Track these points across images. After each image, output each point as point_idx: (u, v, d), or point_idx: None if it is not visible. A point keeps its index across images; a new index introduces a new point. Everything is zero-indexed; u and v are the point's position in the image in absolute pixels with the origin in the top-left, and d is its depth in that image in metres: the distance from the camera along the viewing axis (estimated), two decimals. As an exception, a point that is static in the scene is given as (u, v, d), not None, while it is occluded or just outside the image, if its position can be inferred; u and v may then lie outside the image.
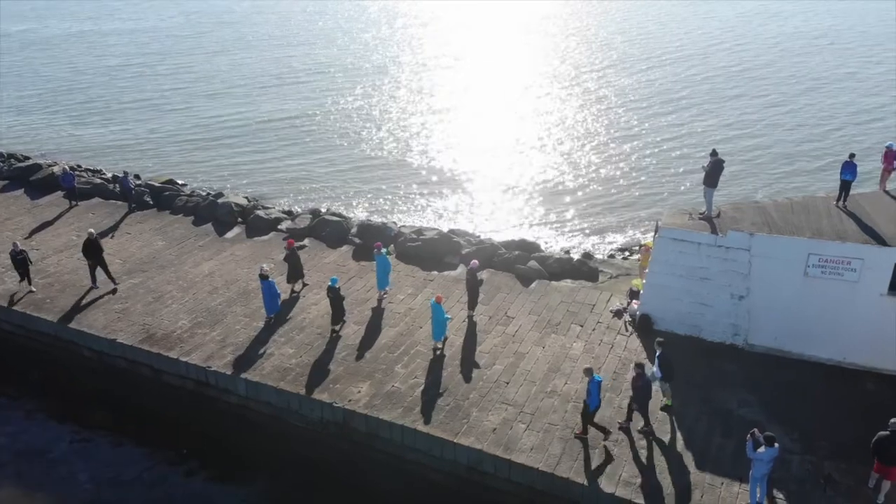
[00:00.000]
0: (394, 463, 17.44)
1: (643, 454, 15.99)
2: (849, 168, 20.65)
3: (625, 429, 16.67)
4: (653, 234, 23.91)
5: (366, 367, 19.08)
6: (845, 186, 20.69)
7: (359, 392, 18.11)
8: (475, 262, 21.22)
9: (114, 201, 30.58)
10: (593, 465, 15.66)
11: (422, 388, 18.19)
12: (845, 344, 19.01)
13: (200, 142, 42.01)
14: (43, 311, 22.12)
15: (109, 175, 34.84)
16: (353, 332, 20.75)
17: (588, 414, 16.20)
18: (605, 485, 15.15)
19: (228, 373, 19.01)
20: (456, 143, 41.12)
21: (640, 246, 24.15)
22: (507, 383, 18.37)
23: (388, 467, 17.53)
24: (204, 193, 32.17)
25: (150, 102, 48.94)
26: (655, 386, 16.88)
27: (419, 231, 26.47)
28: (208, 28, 72.66)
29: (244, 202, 30.27)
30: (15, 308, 22.23)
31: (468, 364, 19.18)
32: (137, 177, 33.87)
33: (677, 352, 19.56)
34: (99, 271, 23.22)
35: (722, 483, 15.17)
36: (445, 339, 19.85)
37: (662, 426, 16.91)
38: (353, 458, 18.00)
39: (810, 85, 48.25)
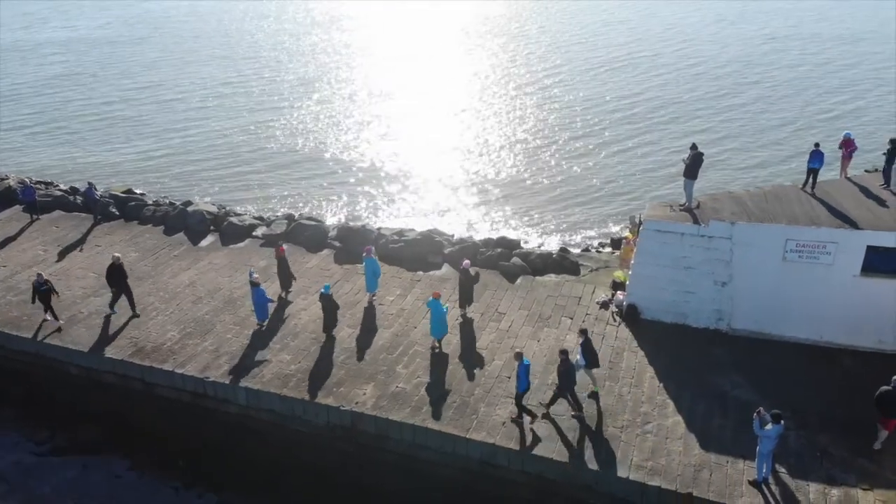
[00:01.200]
0: (401, 463, 17.56)
1: (650, 438, 16.56)
2: (816, 156, 21.83)
3: (546, 415, 17.17)
4: (629, 226, 24.72)
5: (367, 370, 19.13)
6: (813, 174, 21.88)
7: (364, 394, 18.16)
8: (467, 261, 21.49)
9: (76, 213, 29.69)
10: (604, 452, 16.14)
11: (426, 386, 18.36)
12: (822, 324, 20.02)
13: (153, 151, 40.95)
14: (22, 329, 21.36)
15: (66, 187, 33.75)
16: (347, 335, 20.75)
17: (518, 396, 16.77)
18: (619, 470, 15.64)
19: (227, 382, 18.77)
20: (418, 144, 41.25)
21: (623, 238, 24.80)
22: (509, 378, 18.69)
23: (395, 467, 17.64)
24: (167, 202, 31.56)
25: (98, 113, 47.41)
26: (581, 373, 17.55)
27: (400, 232, 26.59)
28: (147, 33, 70.72)
29: (214, 210, 29.74)
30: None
31: (468, 361, 19.44)
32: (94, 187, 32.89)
33: (666, 339, 20.43)
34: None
35: (727, 461, 15.85)
36: (443, 336, 20.05)
37: (663, 410, 17.54)
38: (359, 460, 18.04)
39: (760, 82, 49.85)
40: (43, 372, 21.09)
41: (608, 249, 27.94)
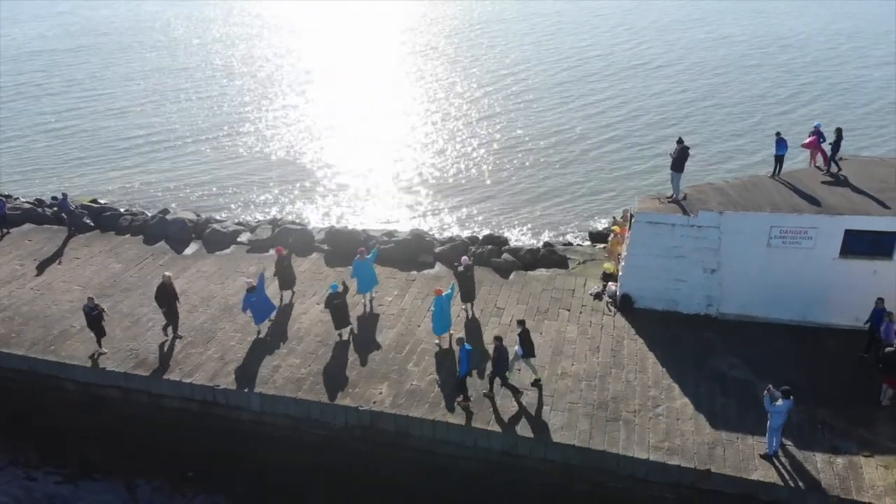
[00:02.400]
0: (419, 458, 17.81)
1: (662, 420, 17.28)
2: (781, 144, 23.24)
3: (466, 397, 17.89)
4: (618, 220, 25.56)
5: (379, 370, 19.32)
6: (780, 161, 23.20)
7: (380, 394, 18.35)
8: (465, 258, 21.88)
9: (48, 225, 28.85)
10: (622, 436, 16.77)
11: (440, 383, 18.66)
12: (805, 305, 21.15)
13: (112, 161, 39.78)
14: (11, 345, 20.72)
15: (32, 199, 32.70)
16: (353, 337, 20.88)
17: (458, 379, 17.56)
18: (638, 452, 16.30)
19: (240, 389, 18.68)
20: (387, 146, 41.35)
21: (610, 232, 25.55)
22: (519, 370, 19.15)
23: (412, 464, 17.88)
24: (139, 212, 30.95)
25: (49, 124, 45.60)
26: (528, 363, 18.50)
27: (390, 233, 26.79)
28: (89, 42, 68.23)
29: (193, 217, 29.29)
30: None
31: (476, 356, 19.73)
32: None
33: (661, 326, 21.24)
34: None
35: (737, 438, 16.70)
36: (451, 334, 20.37)
37: (670, 393, 18.31)
38: (375, 459, 18.20)
39: (720, 79, 51.17)
40: (36, 390, 20.50)
41: (587, 243, 28.80)
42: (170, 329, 20.87)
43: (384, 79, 54.57)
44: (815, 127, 24.40)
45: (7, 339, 21.04)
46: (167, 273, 21.06)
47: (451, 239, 26.75)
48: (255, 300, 20.40)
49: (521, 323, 18.30)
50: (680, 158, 21.85)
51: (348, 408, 17.92)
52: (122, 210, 30.99)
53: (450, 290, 20.44)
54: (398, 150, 40.80)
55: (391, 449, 17.98)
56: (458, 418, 17.43)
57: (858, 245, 20.53)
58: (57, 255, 26.22)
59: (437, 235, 29.02)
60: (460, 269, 21.38)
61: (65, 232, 27.99)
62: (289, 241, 25.59)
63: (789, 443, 16.47)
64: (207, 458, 19.26)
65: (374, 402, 18.01)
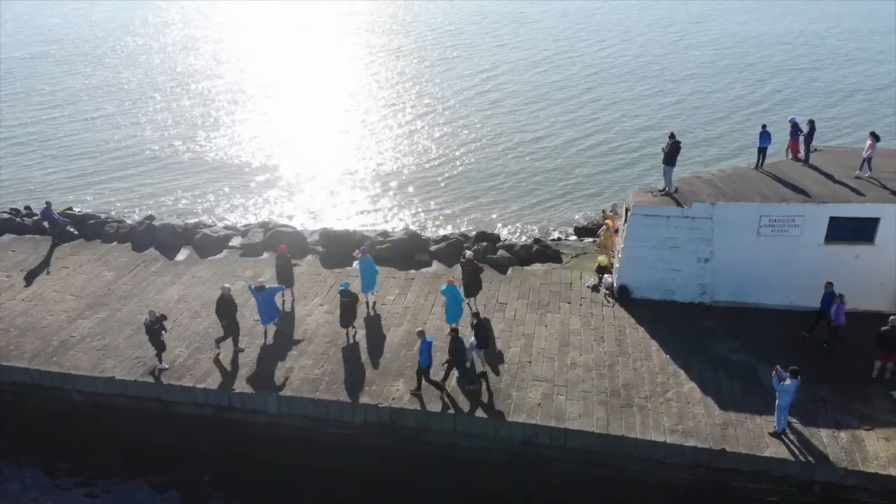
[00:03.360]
0: (438, 451, 18.11)
1: (674, 404, 17.95)
2: (765, 136, 24.19)
3: (440, 386, 18.43)
4: (610, 214, 26.23)
5: (392, 367, 19.55)
6: (763, 153, 24.19)
7: (397, 390, 18.60)
8: (469, 253, 22.27)
9: (29, 235, 28.20)
10: (638, 422, 17.37)
11: (455, 377, 18.96)
12: (792, 290, 22.11)
13: (82, 168, 39.03)
14: (11, 358, 20.29)
15: (7, 208, 31.85)
16: (361, 336, 21.05)
17: (421, 371, 18.15)
18: (655, 435, 16.91)
19: (256, 392, 18.68)
20: (368, 146, 41.47)
21: (603, 226, 26.15)
22: (530, 363, 19.66)
23: (432, 457, 18.16)
24: (118, 219, 30.45)
25: (13, 136, 44.33)
26: (478, 354, 19.09)
27: (384, 233, 26.98)
28: (43, 49, 66.29)
29: (180, 223, 28.97)
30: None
31: (486, 350, 20.10)
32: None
33: (659, 315, 21.96)
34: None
35: (746, 418, 17.47)
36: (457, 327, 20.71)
37: (677, 378, 19.01)
38: (394, 455, 18.42)
39: (694, 79, 52.21)
40: (40, 402, 20.12)
41: (574, 238, 29.49)
42: (224, 342, 20.33)
43: (365, 81, 54.25)
44: (790, 120, 25.49)
45: (6, 352, 20.59)
46: (226, 285, 20.49)
47: (445, 237, 27.08)
48: (261, 298, 20.35)
49: (476, 315, 19.05)
50: (672, 152, 22.57)
51: (367, 406, 18.11)
52: (103, 217, 30.44)
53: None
54: (383, 151, 40.80)
55: (411, 444, 18.24)
56: (476, 410, 17.78)
57: (842, 231, 21.59)
58: (44, 265, 25.70)
59: (429, 234, 29.33)
60: (463, 262, 21.77)
61: (48, 241, 27.46)
62: (287, 243, 25.51)
63: (795, 420, 17.29)
64: (223, 462, 19.18)
65: (393, 399, 18.25)
